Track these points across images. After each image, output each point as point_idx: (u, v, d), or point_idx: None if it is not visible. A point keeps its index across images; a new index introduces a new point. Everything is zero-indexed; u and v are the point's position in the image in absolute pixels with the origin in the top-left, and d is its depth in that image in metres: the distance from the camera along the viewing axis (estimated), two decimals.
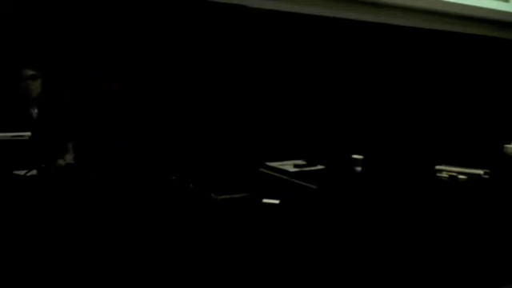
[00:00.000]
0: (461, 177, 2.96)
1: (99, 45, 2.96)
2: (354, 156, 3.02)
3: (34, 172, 2.42)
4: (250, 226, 2.51)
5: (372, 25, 4.03)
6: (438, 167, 3.07)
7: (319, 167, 3.10)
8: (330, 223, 2.56)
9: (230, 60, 3.43)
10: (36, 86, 2.76)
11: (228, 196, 2.68)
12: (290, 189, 2.76)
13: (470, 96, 4.63)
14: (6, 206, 2.26)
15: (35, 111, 2.78)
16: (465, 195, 2.85)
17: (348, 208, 2.62)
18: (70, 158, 2.75)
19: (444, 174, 3.01)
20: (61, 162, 2.67)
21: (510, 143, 3.69)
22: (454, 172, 3.00)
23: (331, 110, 3.89)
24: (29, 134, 2.53)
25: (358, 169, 2.99)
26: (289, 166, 3.09)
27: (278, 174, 2.94)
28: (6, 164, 2.48)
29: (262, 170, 3.06)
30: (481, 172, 3.01)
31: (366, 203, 2.66)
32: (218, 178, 3.02)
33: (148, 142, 3.03)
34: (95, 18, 2.95)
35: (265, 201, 2.62)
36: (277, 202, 2.61)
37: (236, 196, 2.72)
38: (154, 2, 3.13)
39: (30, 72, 2.75)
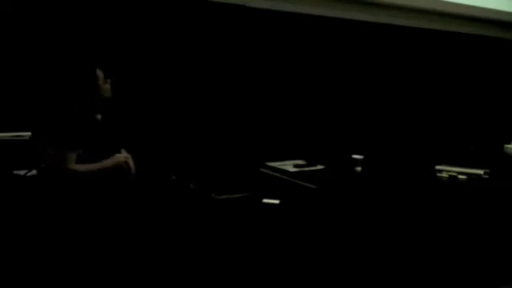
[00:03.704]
0: (461, 177, 2.96)
1: (97, 44, 2.96)
2: (354, 156, 3.02)
3: (34, 172, 2.42)
4: (250, 225, 2.51)
5: (372, 25, 4.03)
6: (437, 167, 3.07)
7: (319, 167, 3.10)
8: (330, 223, 2.57)
9: (229, 60, 3.43)
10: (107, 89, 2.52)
11: (228, 196, 2.69)
12: (289, 189, 2.76)
13: (470, 96, 4.63)
14: (6, 206, 2.26)
15: (99, 116, 2.51)
16: (465, 195, 2.85)
17: (348, 208, 2.62)
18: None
19: (444, 174, 3.01)
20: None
21: (510, 143, 3.70)
22: (453, 172, 3.00)
23: (331, 110, 3.89)
24: (29, 133, 2.53)
25: (358, 169, 2.99)
26: (289, 165, 3.09)
27: (278, 174, 2.94)
28: (6, 164, 2.48)
29: (262, 170, 3.06)
30: (481, 172, 3.01)
31: (366, 203, 2.66)
32: (218, 178, 3.02)
33: (148, 142, 3.03)
34: (94, 17, 2.95)
35: (265, 201, 2.62)
36: (277, 202, 2.61)
37: (236, 196, 2.73)
38: (155, 2, 3.13)
39: (102, 73, 2.50)
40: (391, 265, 2.62)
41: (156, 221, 2.31)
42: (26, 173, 2.41)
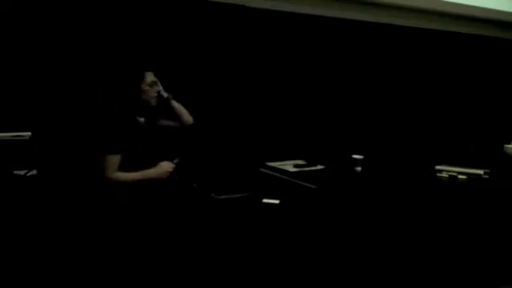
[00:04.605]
0: (461, 177, 2.96)
1: (96, 44, 2.96)
2: (354, 156, 3.01)
3: (34, 172, 2.42)
4: (250, 225, 2.51)
5: (372, 25, 4.03)
6: (438, 167, 3.07)
7: (319, 167, 3.10)
8: (330, 223, 2.57)
9: (229, 60, 3.43)
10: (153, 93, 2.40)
11: (228, 196, 2.69)
12: (289, 189, 2.76)
13: (470, 96, 4.63)
14: (6, 206, 2.26)
15: (142, 119, 2.40)
16: (465, 195, 2.85)
17: (348, 208, 2.62)
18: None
19: (444, 174, 3.01)
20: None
21: (510, 143, 3.69)
22: (453, 172, 3.00)
23: (331, 110, 3.89)
24: (29, 133, 2.53)
25: (358, 169, 2.99)
26: (289, 165, 3.09)
27: (278, 174, 2.94)
28: (6, 164, 2.48)
29: (262, 169, 3.06)
30: (481, 172, 3.01)
31: (366, 203, 2.66)
32: (218, 178, 3.02)
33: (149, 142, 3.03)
34: (95, 16, 2.95)
35: (265, 201, 2.62)
36: (277, 202, 2.61)
37: (236, 196, 2.73)
38: (155, 2, 3.13)
39: (151, 77, 2.41)
40: (391, 265, 2.62)
41: (156, 221, 2.31)
42: (26, 173, 2.41)
